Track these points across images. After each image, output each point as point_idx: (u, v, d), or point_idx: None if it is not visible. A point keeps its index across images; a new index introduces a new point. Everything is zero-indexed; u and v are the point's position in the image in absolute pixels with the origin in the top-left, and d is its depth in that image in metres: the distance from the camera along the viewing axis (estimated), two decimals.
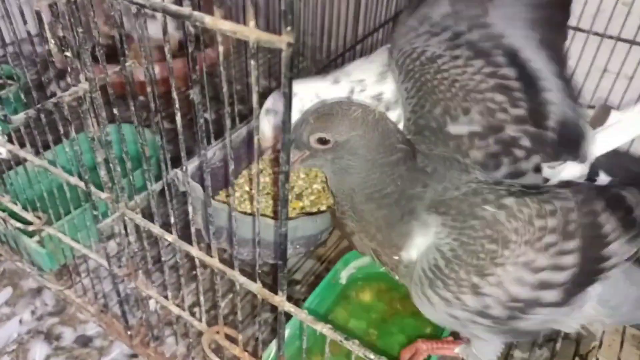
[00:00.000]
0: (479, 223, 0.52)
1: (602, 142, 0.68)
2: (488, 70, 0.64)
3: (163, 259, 0.58)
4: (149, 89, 0.45)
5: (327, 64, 1.13)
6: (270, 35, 0.32)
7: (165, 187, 0.54)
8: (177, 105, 0.43)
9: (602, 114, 0.69)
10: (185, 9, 0.35)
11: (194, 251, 0.51)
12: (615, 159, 0.72)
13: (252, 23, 0.33)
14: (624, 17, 0.96)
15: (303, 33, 1.10)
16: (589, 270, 0.54)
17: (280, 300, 0.46)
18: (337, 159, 0.55)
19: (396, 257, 0.57)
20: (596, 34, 1.00)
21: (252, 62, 0.35)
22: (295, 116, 0.71)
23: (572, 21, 1.02)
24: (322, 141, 0.55)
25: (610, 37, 0.99)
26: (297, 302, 0.71)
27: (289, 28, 0.31)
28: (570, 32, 1.02)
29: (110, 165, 0.54)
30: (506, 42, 0.68)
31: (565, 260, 0.52)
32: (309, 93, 0.73)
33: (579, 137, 0.65)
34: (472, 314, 0.53)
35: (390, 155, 0.54)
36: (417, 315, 0.64)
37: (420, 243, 0.54)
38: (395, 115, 0.74)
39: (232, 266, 0.48)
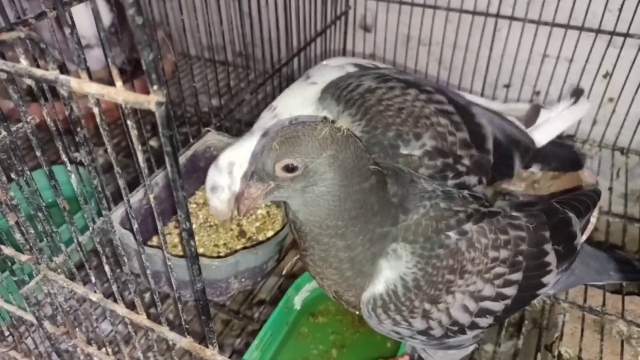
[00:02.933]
0: (443, 252, 0.52)
1: (534, 139, 0.71)
2: (424, 97, 0.64)
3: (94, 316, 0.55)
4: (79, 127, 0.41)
5: (272, 74, 1.11)
6: (137, 96, 0.30)
7: (95, 241, 0.51)
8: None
9: (533, 113, 0.71)
10: (51, 73, 0.33)
11: (120, 310, 0.48)
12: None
13: (119, 84, 0.31)
14: (557, 2, 0.97)
15: (245, 45, 1.08)
16: (523, 299, 0.57)
17: (211, 353, 0.44)
18: (308, 187, 0.49)
19: (357, 299, 0.55)
20: (531, 21, 1.00)
21: (129, 123, 0.32)
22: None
23: (507, 10, 1.02)
24: (290, 168, 0.48)
25: (546, 24, 0.99)
26: (263, 325, 0.69)
27: (155, 87, 0.29)
28: (506, 21, 1.03)
29: (29, 225, 0.51)
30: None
31: (507, 291, 0.55)
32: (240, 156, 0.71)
33: (511, 157, 0.68)
34: (413, 332, 0.55)
35: (364, 181, 0.50)
36: (376, 331, 0.63)
37: (389, 275, 0.52)
38: None
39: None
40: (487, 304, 0.54)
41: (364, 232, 0.51)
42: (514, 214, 0.57)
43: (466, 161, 0.62)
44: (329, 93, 0.68)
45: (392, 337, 0.57)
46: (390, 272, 0.52)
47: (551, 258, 0.57)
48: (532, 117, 0.72)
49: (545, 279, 0.57)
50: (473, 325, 0.54)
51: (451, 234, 0.53)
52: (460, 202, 0.55)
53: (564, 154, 0.78)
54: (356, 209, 0.50)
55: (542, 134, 0.73)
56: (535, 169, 0.75)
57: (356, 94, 0.65)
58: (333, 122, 0.50)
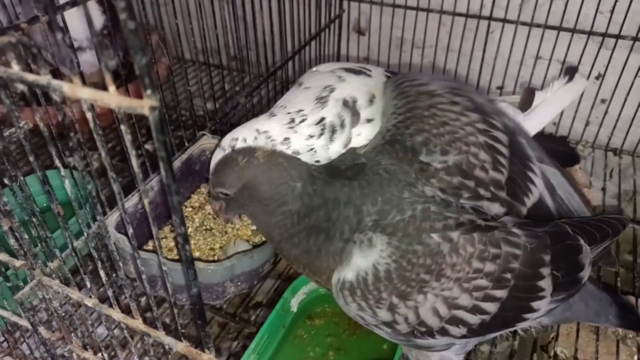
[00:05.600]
0: (421, 250, 0.51)
1: (532, 122, 0.69)
2: (482, 126, 0.59)
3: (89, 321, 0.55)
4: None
5: (267, 77, 1.11)
6: (130, 101, 0.30)
7: (90, 246, 0.50)
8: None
9: (528, 96, 0.69)
10: (43, 78, 0.33)
11: (116, 314, 0.48)
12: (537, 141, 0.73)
13: (112, 88, 0.31)
14: (549, 5, 0.97)
15: (240, 49, 1.08)
16: (506, 319, 0.55)
17: (208, 358, 0.43)
18: (244, 207, 0.59)
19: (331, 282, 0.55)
20: (524, 23, 1.00)
21: (123, 128, 0.32)
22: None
23: (500, 13, 1.03)
24: (224, 193, 0.59)
25: (538, 26, 1.00)
26: (259, 328, 0.69)
27: (149, 91, 0.29)
28: (499, 24, 1.04)
29: (23, 231, 0.51)
30: (511, 123, 0.64)
31: (486, 306, 0.53)
32: (250, 132, 0.69)
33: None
34: (378, 322, 0.54)
35: (285, 195, 0.56)
36: (372, 333, 0.63)
37: (360, 262, 0.52)
38: (344, 137, 0.64)
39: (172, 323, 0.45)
40: (461, 314, 0.52)
41: (301, 232, 0.56)
42: (514, 230, 0.53)
43: (492, 190, 0.57)
44: (392, 80, 0.65)
45: (358, 321, 0.57)
46: (363, 260, 0.52)
47: (546, 283, 0.54)
48: (527, 100, 0.69)
49: (535, 304, 0.54)
50: (443, 332, 0.53)
51: (434, 235, 0.51)
52: (454, 209, 0.53)
53: (560, 149, 0.77)
54: (286, 220, 0.56)
55: (540, 116, 0.70)
56: None
57: (414, 91, 0.62)
58: (254, 149, 0.57)
